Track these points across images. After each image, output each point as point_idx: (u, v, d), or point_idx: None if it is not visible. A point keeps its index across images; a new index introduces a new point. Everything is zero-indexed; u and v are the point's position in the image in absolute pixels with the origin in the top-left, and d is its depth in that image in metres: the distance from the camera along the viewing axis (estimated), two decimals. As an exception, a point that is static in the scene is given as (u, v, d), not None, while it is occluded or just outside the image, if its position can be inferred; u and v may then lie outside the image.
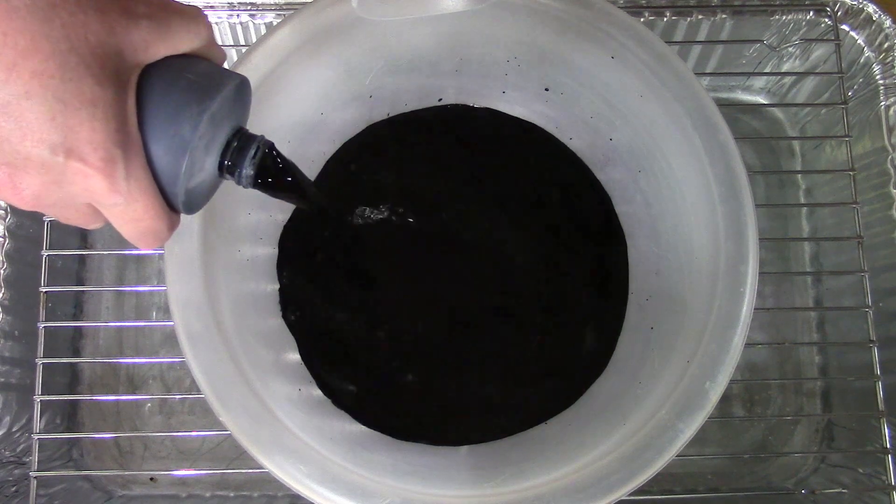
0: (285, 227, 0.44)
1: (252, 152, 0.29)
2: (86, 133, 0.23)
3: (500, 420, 0.42)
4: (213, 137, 0.27)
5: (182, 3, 0.26)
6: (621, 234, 0.44)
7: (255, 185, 0.30)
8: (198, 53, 0.27)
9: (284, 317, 0.43)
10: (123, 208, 0.25)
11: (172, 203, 0.27)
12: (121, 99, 0.24)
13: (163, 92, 0.25)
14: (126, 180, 0.24)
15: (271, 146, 0.30)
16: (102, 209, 0.25)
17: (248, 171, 0.29)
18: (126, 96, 0.24)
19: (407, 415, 0.42)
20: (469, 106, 0.45)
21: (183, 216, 0.28)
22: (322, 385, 0.42)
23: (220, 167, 0.29)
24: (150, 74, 0.25)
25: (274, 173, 0.30)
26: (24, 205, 0.24)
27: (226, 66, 0.51)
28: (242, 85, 0.28)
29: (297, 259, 0.43)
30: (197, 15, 0.26)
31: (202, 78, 0.26)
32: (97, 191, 0.24)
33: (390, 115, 0.45)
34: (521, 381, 0.43)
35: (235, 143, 0.29)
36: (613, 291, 0.44)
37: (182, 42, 0.26)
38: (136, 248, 0.53)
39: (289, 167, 0.31)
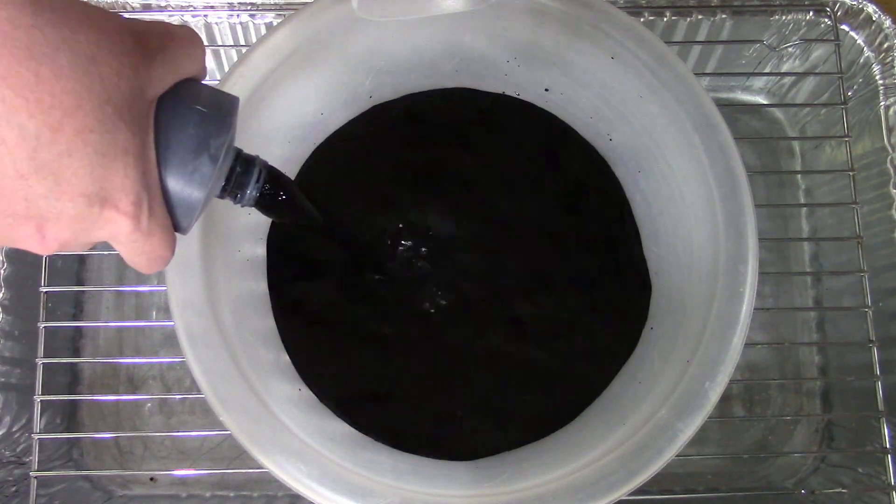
0: (272, 228, 0.43)
1: (255, 176, 0.29)
2: (119, 181, 0.23)
3: (506, 433, 0.41)
4: (224, 167, 0.28)
5: (177, 26, 0.26)
6: (636, 231, 0.43)
7: (255, 205, 0.30)
8: (193, 75, 0.27)
9: (277, 322, 0.42)
10: (140, 244, 0.25)
11: (180, 230, 0.27)
12: (145, 140, 0.24)
13: (178, 128, 0.25)
14: (148, 219, 0.24)
15: (269, 166, 0.30)
16: (115, 244, 0.25)
17: (252, 193, 0.29)
18: (148, 136, 0.24)
19: (405, 425, 0.41)
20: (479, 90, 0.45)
21: None
22: (316, 390, 0.41)
23: (223, 190, 0.29)
24: (162, 108, 0.25)
25: (276, 194, 0.31)
26: (47, 252, 0.24)
27: (225, 67, 0.51)
28: (238, 106, 0.28)
29: (288, 262, 0.43)
30: (194, 37, 0.26)
31: (211, 108, 0.26)
32: (121, 232, 0.24)
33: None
34: (529, 390, 0.42)
35: (238, 168, 0.29)
36: (633, 298, 0.43)
37: (186, 69, 0.26)
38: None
39: (288, 186, 0.31)
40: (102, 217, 0.23)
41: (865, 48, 0.50)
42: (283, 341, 0.41)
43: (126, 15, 0.50)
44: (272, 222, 0.43)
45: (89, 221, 0.23)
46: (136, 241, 0.25)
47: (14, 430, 0.49)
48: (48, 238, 0.23)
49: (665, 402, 0.35)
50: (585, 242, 0.44)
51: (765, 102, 0.58)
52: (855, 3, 0.50)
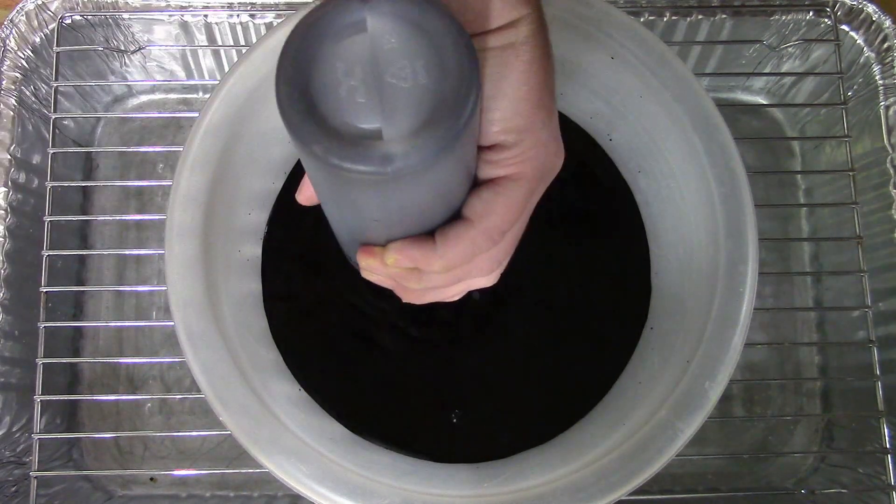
0: (269, 226, 0.43)
1: None
2: None
3: (507, 438, 0.40)
4: None
5: None
6: (638, 231, 0.43)
7: None
8: None
9: (270, 323, 0.41)
10: None
11: None
12: None
13: None
14: None
15: None
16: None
17: None
18: None
19: (403, 429, 0.40)
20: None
21: (185, 218, 0.28)
22: (313, 393, 0.41)
23: None
24: None
25: None
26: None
27: (225, 67, 0.51)
28: None
29: (284, 263, 0.43)
30: None
31: None
32: None
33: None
34: (530, 393, 0.41)
35: None
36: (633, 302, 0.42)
37: None
38: (136, 248, 0.54)
39: None
40: None
41: (865, 48, 0.50)
42: (277, 343, 0.41)
43: (126, 15, 0.50)
44: (270, 222, 0.43)
45: None
46: None
47: (14, 430, 0.49)
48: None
49: (665, 402, 0.35)
50: (586, 242, 0.44)
51: (765, 102, 0.58)
52: (855, 3, 0.50)
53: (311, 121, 0.19)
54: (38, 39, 0.50)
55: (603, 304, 0.43)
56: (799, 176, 0.57)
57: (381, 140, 0.19)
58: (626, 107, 0.41)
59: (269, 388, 0.36)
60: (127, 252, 0.54)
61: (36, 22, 0.49)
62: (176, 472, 0.51)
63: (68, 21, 0.50)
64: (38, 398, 0.45)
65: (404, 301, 0.29)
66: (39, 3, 0.49)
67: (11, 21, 0.49)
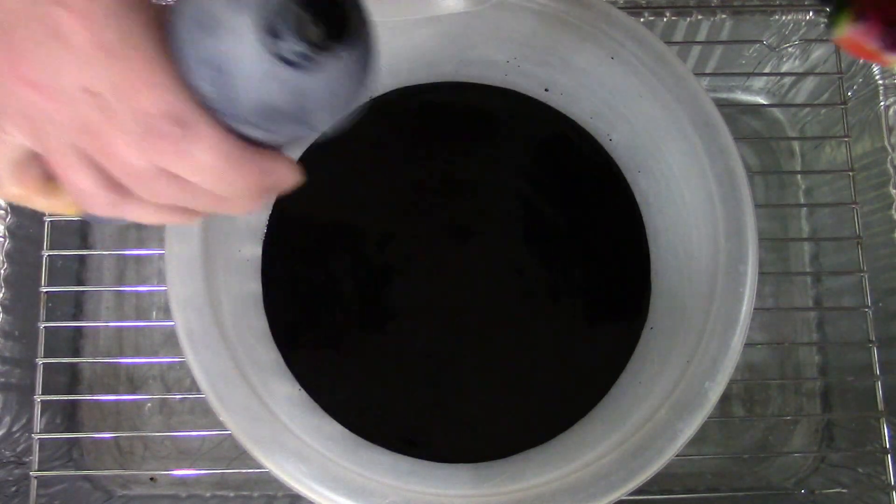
0: (269, 226, 0.43)
1: None
2: None
3: (508, 438, 0.40)
4: None
5: None
6: (639, 231, 0.43)
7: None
8: None
9: (270, 323, 0.41)
10: None
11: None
12: None
13: None
14: None
15: None
16: None
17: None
18: None
19: (403, 429, 0.41)
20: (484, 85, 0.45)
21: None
22: (313, 393, 0.41)
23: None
24: None
25: None
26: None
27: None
28: None
29: (283, 263, 0.43)
30: None
31: None
32: None
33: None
34: (531, 393, 0.42)
35: None
36: (633, 298, 0.43)
37: None
38: (136, 249, 0.54)
39: None
40: None
41: (865, 48, 0.50)
42: (277, 343, 0.41)
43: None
44: (270, 222, 0.43)
45: None
46: None
47: (14, 430, 0.49)
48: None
49: (665, 402, 0.35)
50: (586, 242, 0.44)
51: (765, 102, 0.58)
52: (855, 3, 0.50)
53: None
54: (38, 39, 0.50)
55: (603, 304, 0.43)
56: (799, 176, 0.57)
57: None
58: (626, 107, 0.41)
59: (269, 388, 0.36)
60: (127, 252, 0.54)
61: (36, 22, 0.49)
62: (176, 472, 0.51)
63: (68, 21, 0.50)
64: (38, 398, 0.45)
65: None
66: (39, 3, 0.49)
67: (11, 21, 0.49)
